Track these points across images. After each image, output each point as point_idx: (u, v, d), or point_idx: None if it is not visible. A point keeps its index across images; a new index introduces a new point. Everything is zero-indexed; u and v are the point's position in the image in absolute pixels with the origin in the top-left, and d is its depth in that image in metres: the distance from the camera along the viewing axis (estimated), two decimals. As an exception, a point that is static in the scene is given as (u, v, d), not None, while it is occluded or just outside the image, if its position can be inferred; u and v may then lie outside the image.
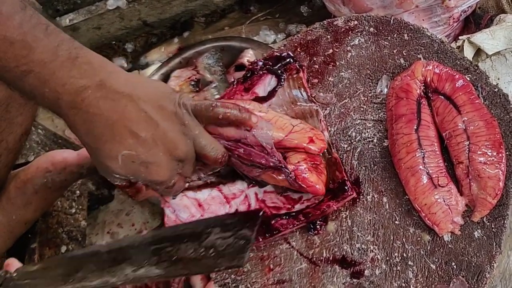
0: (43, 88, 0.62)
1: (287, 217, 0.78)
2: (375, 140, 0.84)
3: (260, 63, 0.88)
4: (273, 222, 0.78)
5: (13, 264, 0.74)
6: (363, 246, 0.77)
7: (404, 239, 0.76)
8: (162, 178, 0.69)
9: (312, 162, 0.77)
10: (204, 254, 0.69)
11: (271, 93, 0.85)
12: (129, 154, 0.65)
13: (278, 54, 0.88)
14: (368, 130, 0.85)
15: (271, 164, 0.74)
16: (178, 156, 0.69)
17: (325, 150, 0.81)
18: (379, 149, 0.83)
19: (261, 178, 0.77)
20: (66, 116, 0.64)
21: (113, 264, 0.71)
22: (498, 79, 1.14)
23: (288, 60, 0.87)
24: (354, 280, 0.75)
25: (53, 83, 0.61)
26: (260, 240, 0.78)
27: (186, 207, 0.80)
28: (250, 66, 0.87)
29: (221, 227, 0.73)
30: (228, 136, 0.75)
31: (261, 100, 0.84)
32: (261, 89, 0.85)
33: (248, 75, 0.86)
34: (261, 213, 0.77)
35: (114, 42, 1.73)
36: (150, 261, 0.70)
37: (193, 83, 1.40)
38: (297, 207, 0.79)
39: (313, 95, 0.88)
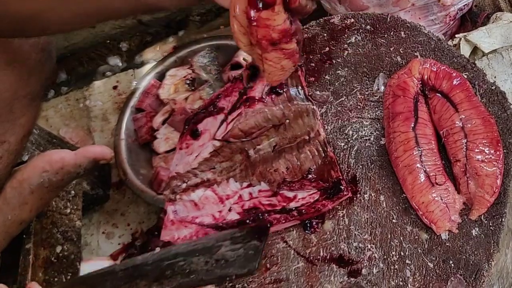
0: None
1: (280, 212, 0.78)
2: (372, 138, 0.84)
3: None
4: (266, 215, 0.78)
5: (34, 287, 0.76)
6: (360, 244, 0.77)
7: (401, 238, 0.76)
8: None
9: None
10: (216, 265, 0.70)
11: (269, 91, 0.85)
12: None
13: None
14: (365, 128, 0.84)
15: None
16: None
17: (321, 149, 0.81)
18: (376, 147, 0.83)
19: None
20: None
21: (128, 280, 0.72)
22: (495, 77, 1.14)
23: None
24: (352, 279, 0.75)
25: None
26: None
27: (184, 206, 0.82)
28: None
29: (231, 240, 0.74)
30: None
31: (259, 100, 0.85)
32: (259, 90, 0.86)
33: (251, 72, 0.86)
34: (269, 225, 0.77)
35: (108, 41, 1.72)
36: (164, 275, 0.71)
37: (188, 82, 1.39)
38: (292, 205, 0.78)
39: (309, 94, 0.87)
